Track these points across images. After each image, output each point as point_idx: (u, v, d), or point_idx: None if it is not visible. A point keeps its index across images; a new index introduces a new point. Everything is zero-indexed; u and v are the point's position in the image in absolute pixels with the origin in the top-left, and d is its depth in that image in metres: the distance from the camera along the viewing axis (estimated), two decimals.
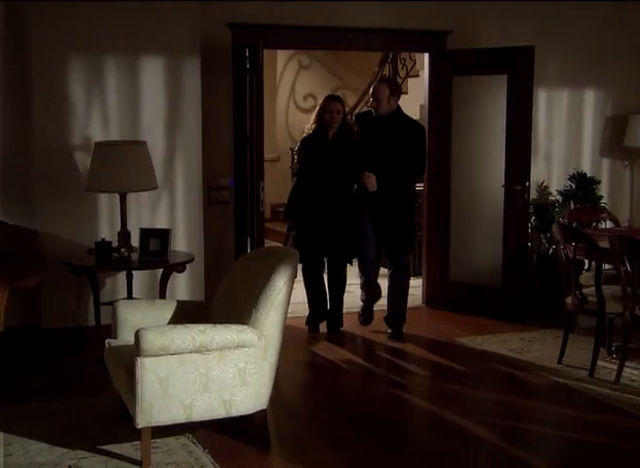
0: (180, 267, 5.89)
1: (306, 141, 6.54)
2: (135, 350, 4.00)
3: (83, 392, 5.16)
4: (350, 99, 11.83)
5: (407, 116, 6.54)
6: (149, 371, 3.99)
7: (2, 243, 5.52)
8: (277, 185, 10.38)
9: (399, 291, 6.54)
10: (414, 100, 10.17)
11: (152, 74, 6.37)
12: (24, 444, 4.29)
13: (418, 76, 10.20)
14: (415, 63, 10.20)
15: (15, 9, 6.11)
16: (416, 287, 7.92)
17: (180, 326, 4.14)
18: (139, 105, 6.37)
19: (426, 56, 7.38)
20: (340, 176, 6.37)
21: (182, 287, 6.46)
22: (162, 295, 5.87)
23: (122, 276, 6.16)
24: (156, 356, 3.99)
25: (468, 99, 7.08)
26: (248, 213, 6.66)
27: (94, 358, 5.75)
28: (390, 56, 10.62)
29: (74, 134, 6.25)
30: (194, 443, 4.35)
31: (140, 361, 3.98)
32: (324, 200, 6.38)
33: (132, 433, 4.21)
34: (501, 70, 6.82)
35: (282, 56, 11.73)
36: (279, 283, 4.24)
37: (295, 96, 12.04)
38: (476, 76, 6.99)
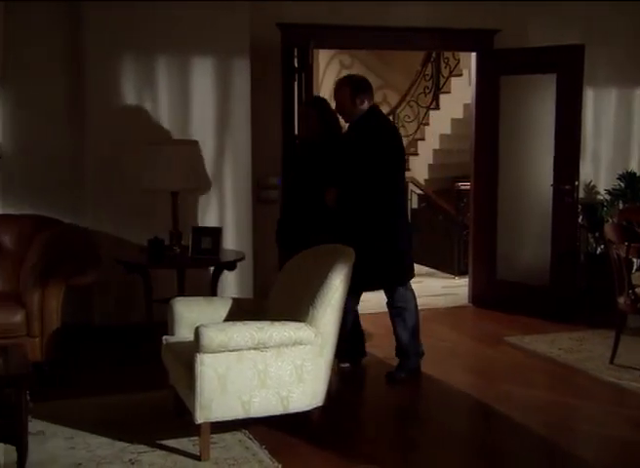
0: (231, 265, 5.94)
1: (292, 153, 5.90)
2: (194, 347, 4.05)
3: (138, 388, 5.22)
4: (392, 99, 11.87)
5: (379, 118, 5.47)
6: (209, 368, 4.04)
7: (58, 241, 5.60)
8: None
9: (397, 326, 5.61)
10: (457, 100, 10.22)
11: (203, 74, 6.44)
12: (86, 438, 4.37)
13: (461, 75, 10.21)
14: (458, 62, 10.20)
15: (70, 9, 6.22)
16: (462, 286, 7.97)
17: (238, 323, 4.18)
18: (189, 105, 6.43)
19: (473, 55, 7.37)
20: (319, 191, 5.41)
21: (232, 284, 6.52)
22: (213, 293, 5.94)
23: (172, 274, 6.24)
24: (215, 352, 4.04)
25: (516, 99, 7.07)
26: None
27: (146, 355, 5.83)
28: (433, 55, 10.63)
29: (126, 133, 6.33)
30: (250, 438, 4.39)
31: (199, 357, 4.03)
32: (310, 221, 5.52)
33: (189, 428, 4.27)
34: (551, 69, 6.81)
35: (324, 56, 11.76)
36: (335, 281, 4.28)
37: None
38: (524, 75, 6.98)
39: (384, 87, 12.07)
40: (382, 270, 5.37)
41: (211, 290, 6.00)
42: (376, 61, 11.97)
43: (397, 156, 5.37)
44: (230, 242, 6.43)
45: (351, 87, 5.35)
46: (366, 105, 5.35)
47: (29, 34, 6.19)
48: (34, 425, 4.31)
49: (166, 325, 4.92)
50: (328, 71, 12.01)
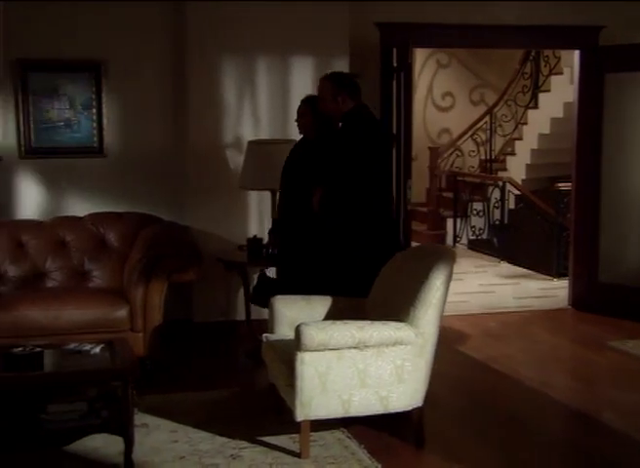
0: None
1: (291, 150, 5.72)
2: (295, 345, 4.07)
3: (237, 384, 5.29)
4: (489, 99, 11.73)
5: (363, 118, 5.10)
6: (309, 366, 4.06)
7: (160, 238, 5.72)
8: (414, 184, 10.33)
9: None
10: (557, 99, 10.03)
11: (302, 74, 6.49)
12: (187, 431, 4.44)
13: (562, 74, 10.01)
14: (559, 60, 10.00)
15: (173, 9, 6.35)
16: (561, 288, 7.82)
17: (339, 322, 4.19)
18: (288, 104, 6.48)
19: (576, 52, 7.21)
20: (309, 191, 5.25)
21: None
22: None
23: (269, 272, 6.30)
24: (316, 351, 4.05)
25: (622, 97, 6.88)
26: (394, 211, 6.66)
27: (244, 352, 5.91)
28: (533, 53, 10.45)
29: (226, 133, 6.45)
30: (349, 437, 4.39)
31: (300, 356, 4.05)
32: (304, 222, 5.34)
33: (288, 425, 4.30)
34: None
35: (420, 54, 11.69)
36: (437, 281, 4.24)
37: (433, 94, 11.99)
38: (631, 73, 6.78)
39: (482, 86, 11.95)
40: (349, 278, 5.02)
41: None
42: (473, 60, 11.86)
43: (378, 161, 5.05)
44: None
45: (333, 83, 5.08)
46: (350, 104, 5.06)
47: (132, 35, 6.36)
48: (138, 418, 4.40)
49: (263, 322, 4.97)
50: (424, 70, 11.93)
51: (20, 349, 4.02)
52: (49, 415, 3.85)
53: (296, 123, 5.63)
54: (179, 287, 5.74)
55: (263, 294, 5.48)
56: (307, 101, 5.52)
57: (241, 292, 6.20)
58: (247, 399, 5.01)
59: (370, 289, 4.79)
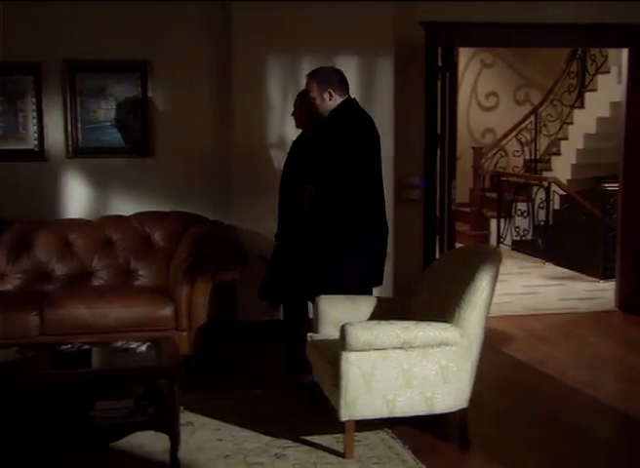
0: None
1: (290, 147, 5.66)
2: (340, 345, 4.07)
3: (280, 383, 5.30)
4: (534, 98, 11.63)
5: (351, 114, 4.94)
6: (354, 366, 4.05)
7: (205, 238, 5.75)
8: (458, 184, 10.28)
9: None
10: (604, 98, 9.91)
11: (346, 73, 6.38)
12: (232, 430, 4.46)
13: (609, 72, 9.89)
14: (606, 59, 9.88)
15: (219, 9, 6.38)
16: (607, 290, 7.72)
17: (384, 322, 4.17)
18: None
19: (624, 51, 7.12)
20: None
21: None
22: None
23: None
24: (361, 351, 4.05)
25: None
26: (438, 211, 6.65)
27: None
28: (579, 51, 10.34)
29: (271, 132, 6.45)
30: (394, 438, 4.38)
31: (345, 355, 4.05)
32: (301, 222, 5.20)
33: (332, 425, 4.30)
34: None
35: (464, 54, 11.61)
36: (483, 282, 4.21)
37: (477, 94, 11.92)
38: None
39: (527, 85, 11.86)
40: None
41: None
42: (517, 60, 11.77)
43: (367, 157, 4.89)
44: None
45: (318, 81, 4.91)
46: (337, 100, 4.91)
47: (178, 35, 6.39)
48: (184, 416, 4.42)
49: (307, 321, 4.97)
50: (468, 70, 11.86)
51: (69, 346, 4.07)
52: (96, 412, 3.89)
53: (292, 116, 5.60)
54: (223, 285, 5.76)
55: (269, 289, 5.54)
56: (304, 95, 5.32)
57: None
58: (291, 398, 5.01)
59: (361, 286, 4.90)
